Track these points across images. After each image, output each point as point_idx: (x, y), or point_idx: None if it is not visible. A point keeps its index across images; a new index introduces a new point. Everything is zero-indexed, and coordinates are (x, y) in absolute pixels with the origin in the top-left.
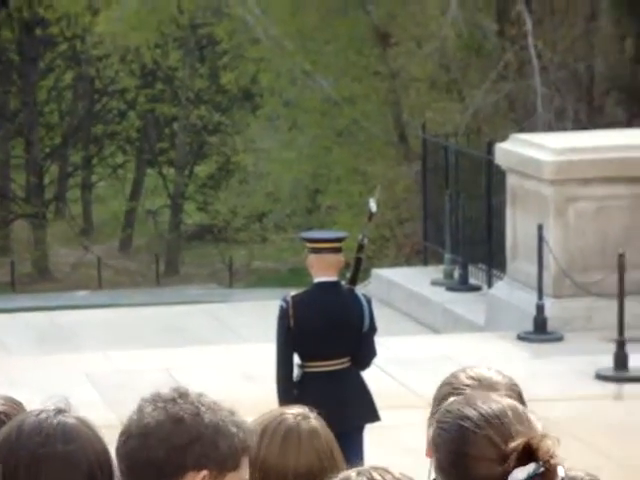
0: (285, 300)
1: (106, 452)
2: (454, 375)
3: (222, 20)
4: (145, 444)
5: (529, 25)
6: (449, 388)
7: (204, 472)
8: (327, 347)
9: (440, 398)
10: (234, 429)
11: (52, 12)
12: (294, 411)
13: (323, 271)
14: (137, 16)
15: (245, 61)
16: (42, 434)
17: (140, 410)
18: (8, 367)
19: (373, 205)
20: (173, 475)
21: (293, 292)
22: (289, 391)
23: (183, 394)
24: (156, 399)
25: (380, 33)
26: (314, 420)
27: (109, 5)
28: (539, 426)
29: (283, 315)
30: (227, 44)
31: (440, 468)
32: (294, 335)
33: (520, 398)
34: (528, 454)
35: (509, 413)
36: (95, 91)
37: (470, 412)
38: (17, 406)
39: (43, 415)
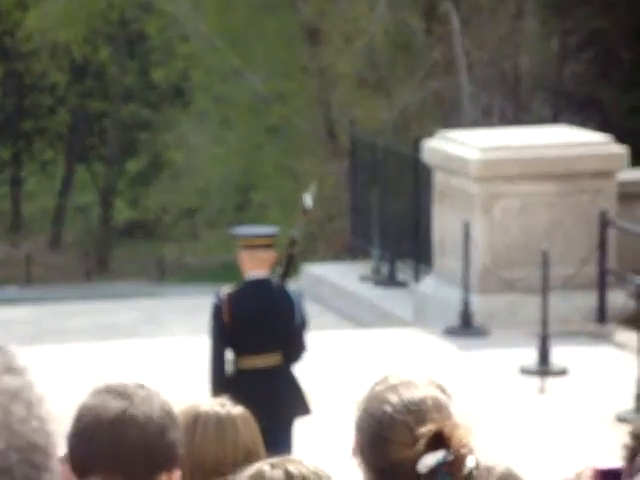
0: (218, 297)
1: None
2: (384, 378)
3: (152, 16)
4: (144, 432)
5: (456, 23)
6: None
7: (178, 474)
8: (260, 342)
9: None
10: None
11: None
12: (215, 401)
13: (255, 267)
14: (66, 11)
15: (175, 57)
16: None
17: (126, 394)
18: None
19: (308, 201)
20: (157, 469)
21: (226, 289)
22: (222, 386)
23: (142, 386)
24: (129, 391)
25: (309, 30)
26: (238, 407)
27: (38, 1)
28: (457, 416)
29: (217, 312)
30: (157, 40)
31: (359, 450)
32: (228, 331)
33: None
34: (439, 441)
35: (429, 401)
36: (24, 87)
37: (392, 398)
38: None
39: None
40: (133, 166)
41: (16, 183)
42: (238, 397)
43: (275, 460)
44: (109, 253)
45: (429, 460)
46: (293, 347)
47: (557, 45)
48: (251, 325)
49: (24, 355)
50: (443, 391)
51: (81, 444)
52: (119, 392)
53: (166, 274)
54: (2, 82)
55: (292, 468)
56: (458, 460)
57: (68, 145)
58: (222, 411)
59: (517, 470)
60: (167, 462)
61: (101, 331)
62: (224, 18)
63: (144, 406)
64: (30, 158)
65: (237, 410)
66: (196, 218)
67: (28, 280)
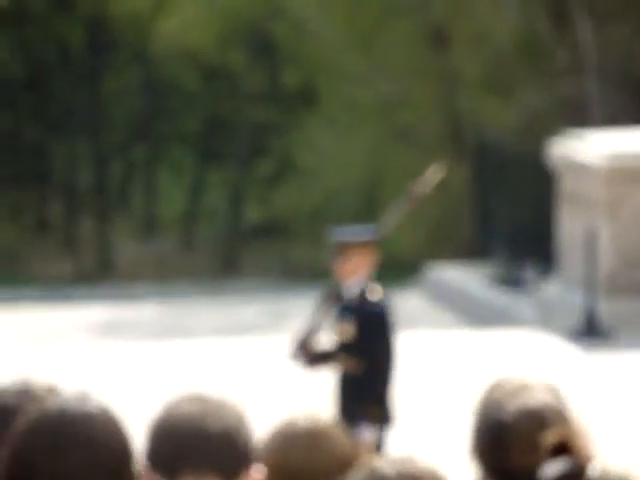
0: (385, 302)
1: (129, 438)
2: (499, 380)
3: (282, 19)
4: (229, 422)
5: (585, 26)
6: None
7: (258, 476)
8: None
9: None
10: None
11: (118, 11)
12: (313, 411)
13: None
14: (199, 16)
15: (304, 60)
16: (64, 418)
17: (201, 398)
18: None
19: (420, 188)
20: (245, 464)
21: (377, 293)
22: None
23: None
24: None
25: (437, 33)
26: (330, 419)
27: (173, 7)
28: (577, 423)
29: (390, 316)
30: (287, 43)
31: (477, 455)
32: None
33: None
34: (562, 449)
35: (548, 408)
36: (158, 90)
37: (511, 404)
38: (26, 387)
39: (65, 400)
40: (263, 168)
41: (150, 184)
42: None
43: (388, 459)
44: (239, 254)
45: (552, 468)
46: None
47: None
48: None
49: (152, 351)
50: (558, 395)
51: (167, 445)
52: (194, 396)
53: (295, 274)
54: (138, 85)
55: (403, 467)
56: (581, 468)
57: (200, 147)
58: (317, 422)
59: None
60: (249, 458)
61: (226, 328)
62: (354, 20)
63: (219, 406)
64: (163, 160)
65: (327, 423)
66: (324, 219)
67: (160, 280)
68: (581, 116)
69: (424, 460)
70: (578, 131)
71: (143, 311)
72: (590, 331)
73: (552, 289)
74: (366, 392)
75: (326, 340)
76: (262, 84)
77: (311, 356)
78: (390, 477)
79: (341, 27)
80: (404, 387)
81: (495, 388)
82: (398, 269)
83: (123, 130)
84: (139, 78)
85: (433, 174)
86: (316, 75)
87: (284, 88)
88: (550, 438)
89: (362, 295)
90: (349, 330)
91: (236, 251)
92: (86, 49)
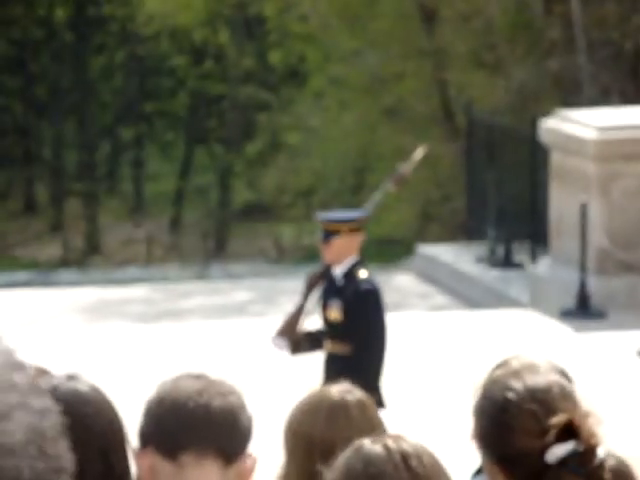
0: (373, 283)
1: (119, 419)
2: (505, 360)
3: None
4: (231, 404)
5: (575, 2)
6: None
7: (255, 457)
8: None
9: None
10: None
11: None
12: (338, 387)
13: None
14: None
15: (293, 39)
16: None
17: (202, 376)
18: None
19: (403, 168)
20: (245, 447)
21: (365, 273)
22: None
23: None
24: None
25: (426, 10)
26: (358, 393)
27: None
28: (584, 405)
29: (380, 297)
30: (275, 22)
31: (479, 436)
32: None
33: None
34: (569, 431)
35: (554, 389)
36: (145, 70)
37: (516, 384)
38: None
39: (54, 381)
40: (251, 148)
41: (138, 165)
42: None
43: (376, 437)
44: (227, 234)
45: (559, 451)
46: None
47: None
48: None
49: (142, 333)
50: (565, 375)
51: (168, 422)
52: (193, 375)
53: (283, 255)
54: (124, 65)
55: (392, 443)
56: (589, 451)
57: (188, 127)
58: (337, 397)
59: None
60: (247, 440)
61: (215, 310)
62: None
63: (219, 384)
64: (151, 140)
65: (355, 396)
66: (312, 199)
67: (148, 260)
68: (572, 92)
69: (412, 438)
70: (569, 107)
71: (132, 294)
72: (581, 310)
73: (543, 267)
74: (355, 375)
75: (313, 323)
76: (250, 64)
77: (296, 341)
78: (379, 454)
79: (329, 5)
80: (395, 369)
81: (499, 367)
82: (389, 248)
83: (110, 111)
84: (126, 58)
85: (418, 154)
86: (304, 54)
87: (272, 68)
88: (557, 420)
89: (349, 276)
90: (336, 312)
91: (225, 232)
92: (71, 29)
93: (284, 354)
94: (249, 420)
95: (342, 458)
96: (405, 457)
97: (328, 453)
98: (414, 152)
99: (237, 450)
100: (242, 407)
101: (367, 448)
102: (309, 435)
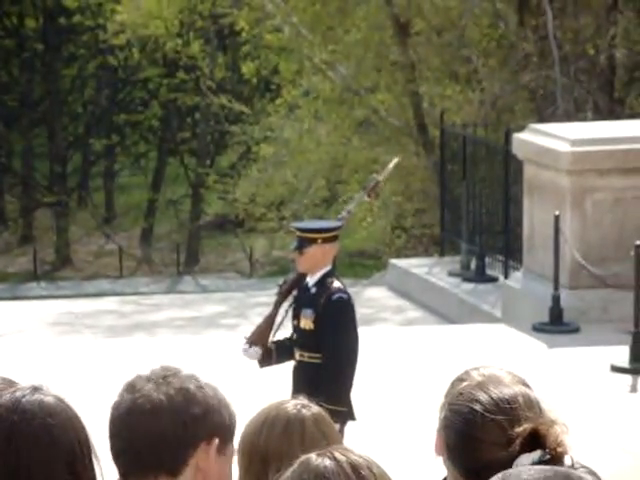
0: (347, 292)
1: (85, 430)
2: (467, 372)
3: (243, 9)
4: (158, 419)
5: (549, 15)
6: (460, 385)
7: (216, 440)
8: None
9: (449, 394)
10: (228, 401)
11: (75, 0)
12: (295, 401)
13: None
14: (158, 5)
15: (266, 50)
16: (19, 410)
17: (136, 388)
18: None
19: (374, 180)
20: (187, 448)
21: (338, 282)
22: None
23: (174, 371)
24: (151, 377)
25: (400, 23)
26: (315, 407)
27: None
28: (550, 414)
29: (353, 307)
30: (248, 34)
31: (447, 449)
32: None
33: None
34: (535, 441)
35: (520, 399)
36: (118, 80)
37: (481, 396)
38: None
39: (19, 393)
40: (224, 160)
41: (109, 176)
42: None
43: (324, 450)
44: (199, 246)
45: (525, 461)
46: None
47: None
48: None
49: (113, 347)
50: (526, 385)
51: (111, 444)
52: (130, 385)
53: (255, 267)
54: (96, 76)
55: (339, 455)
56: (555, 460)
57: (160, 138)
58: (293, 411)
59: (601, 473)
60: (188, 442)
61: (186, 323)
62: (313, 10)
63: (154, 393)
64: (123, 151)
65: (311, 411)
66: (285, 211)
67: (120, 273)
68: (546, 106)
69: (359, 450)
70: (543, 121)
71: (102, 306)
72: (554, 324)
73: (516, 281)
74: (324, 384)
75: (283, 334)
76: (223, 75)
77: (267, 350)
78: (328, 466)
79: (302, 17)
80: (367, 383)
81: (461, 379)
82: (360, 262)
83: (81, 121)
84: (97, 69)
85: (392, 164)
86: (278, 66)
87: (245, 79)
88: (522, 430)
89: (322, 285)
90: (308, 321)
91: (196, 244)
92: (42, 39)
93: (255, 364)
94: (187, 420)
95: (289, 473)
96: (355, 468)
97: (283, 467)
98: (388, 162)
99: (176, 462)
100: (174, 414)
101: (315, 462)
102: (264, 449)
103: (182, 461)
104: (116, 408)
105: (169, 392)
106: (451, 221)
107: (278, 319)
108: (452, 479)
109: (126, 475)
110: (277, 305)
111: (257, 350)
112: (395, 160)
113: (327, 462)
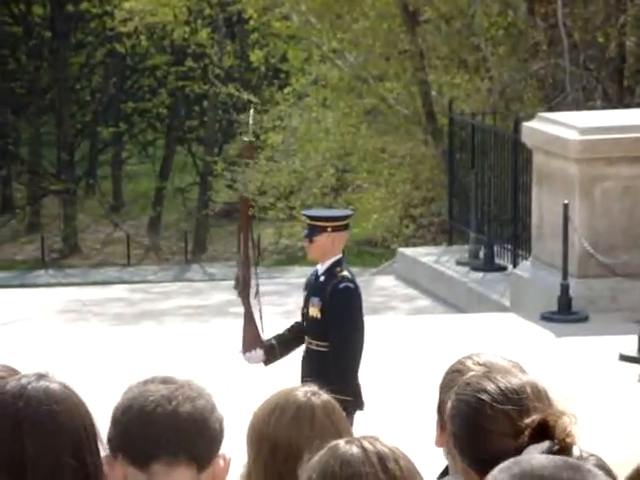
0: (354, 281)
1: (90, 417)
2: (460, 362)
3: None
4: (202, 412)
5: (559, 2)
6: (456, 375)
7: (228, 457)
8: None
9: (446, 385)
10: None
11: None
12: (305, 388)
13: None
14: None
15: (274, 38)
16: (24, 397)
17: (170, 399)
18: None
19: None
20: (218, 447)
21: (342, 269)
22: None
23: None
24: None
25: (409, 11)
26: (325, 395)
27: None
28: (558, 404)
29: (359, 296)
30: (256, 21)
31: (454, 440)
32: None
33: None
34: (544, 431)
35: (528, 389)
36: (126, 68)
37: (489, 386)
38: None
39: (24, 380)
40: (232, 148)
41: (117, 164)
42: None
43: (351, 437)
44: (207, 235)
45: (534, 451)
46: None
47: None
48: None
49: (121, 335)
50: (522, 370)
51: (136, 431)
52: (159, 379)
53: (263, 256)
54: (104, 63)
55: (368, 444)
56: (564, 451)
57: (168, 127)
58: (302, 398)
59: (608, 462)
60: (219, 443)
61: (194, 312)
62: None
63: (187, 388)
64: (131, 139)
65: (321, 399)
66: (293, 200)
67: (128, 261)
68: (555, 94)
69: (385, 439)
70: (552, 109)
71: (110, 294)
72: (563, 313)
73: (525, 270)
74: (332, 372)
75: (287, 325)
76: (231, 63)
77: (268, 347)
78: (355, 455)
79: (311, 5)
80: (376, 372)
81: (458, 371)
82: (369, 251)
83: (89, 109)
84: (105, 56)
85: (250, 120)
86: (286, 54)
87: (254, 67)
88: (531, 420)
89: (331, 274)
90: (316, 309)
91: (204, 233)
92: (50, 26)
93: (260, 366)
94: (220, 422)
95: (317, 458)
96: (382, 459)
97: (292, 454)
98: (249, 118)
99: (209, 454)
100: (212, 410)
101: (343, 449)
102: (273, 436)
103: (211, 459)
104: (146, 398)
105: (198, 391)
106: (460, 210)
107: (256, 314)
108: (456, 469)
109: (147, 461)
110: (246, 302)
111: (258, 352)
112: (251, 112)
113: (354, 450)
